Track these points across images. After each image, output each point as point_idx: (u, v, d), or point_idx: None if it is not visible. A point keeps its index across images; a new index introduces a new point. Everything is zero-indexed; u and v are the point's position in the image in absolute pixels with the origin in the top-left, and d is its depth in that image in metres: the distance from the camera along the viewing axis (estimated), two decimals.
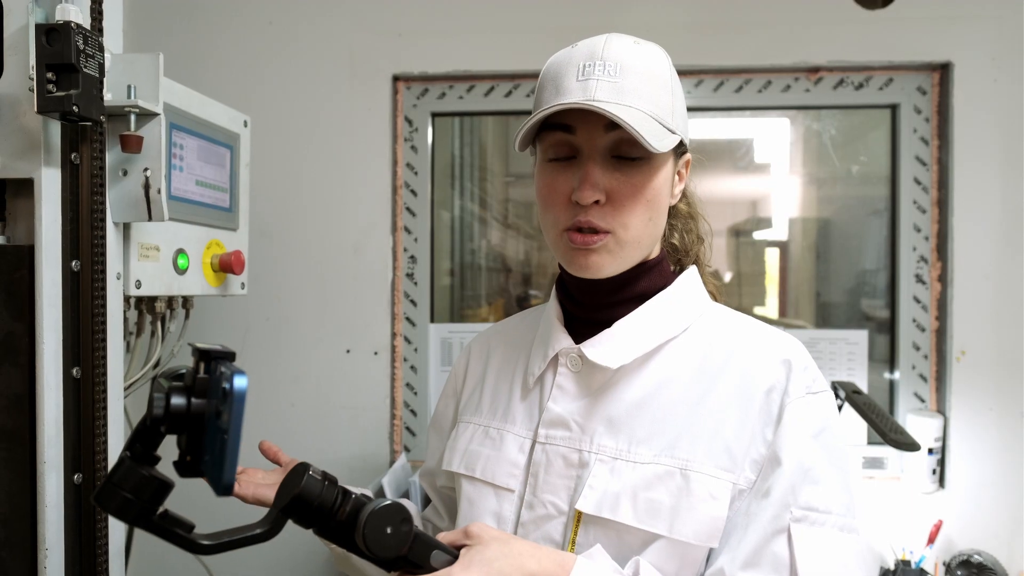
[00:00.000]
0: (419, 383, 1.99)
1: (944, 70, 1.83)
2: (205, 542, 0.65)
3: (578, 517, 0.85)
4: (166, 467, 0.63)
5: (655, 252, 0.95)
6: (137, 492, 0.61)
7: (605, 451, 0.86)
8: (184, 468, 0.62)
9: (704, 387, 0.87)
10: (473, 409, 1.01)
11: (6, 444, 0.99)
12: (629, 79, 0.83)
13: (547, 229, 0.91)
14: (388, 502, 0.71)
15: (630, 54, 0.85)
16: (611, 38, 0.87)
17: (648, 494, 0.82)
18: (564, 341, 0.94)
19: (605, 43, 0.86)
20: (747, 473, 0.83)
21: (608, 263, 0.87)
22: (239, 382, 0.56)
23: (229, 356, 0.60)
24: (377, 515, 0.70)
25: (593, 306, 0.93)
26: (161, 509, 0.63)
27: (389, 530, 0.71)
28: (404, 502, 0.73)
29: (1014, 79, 1.76)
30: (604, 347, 0.90)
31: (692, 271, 0.97)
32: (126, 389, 1.24)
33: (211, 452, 0.59)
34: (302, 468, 0.70)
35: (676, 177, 0.94)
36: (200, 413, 0.60)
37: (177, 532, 0.64)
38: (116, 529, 1.08)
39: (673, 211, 0.99)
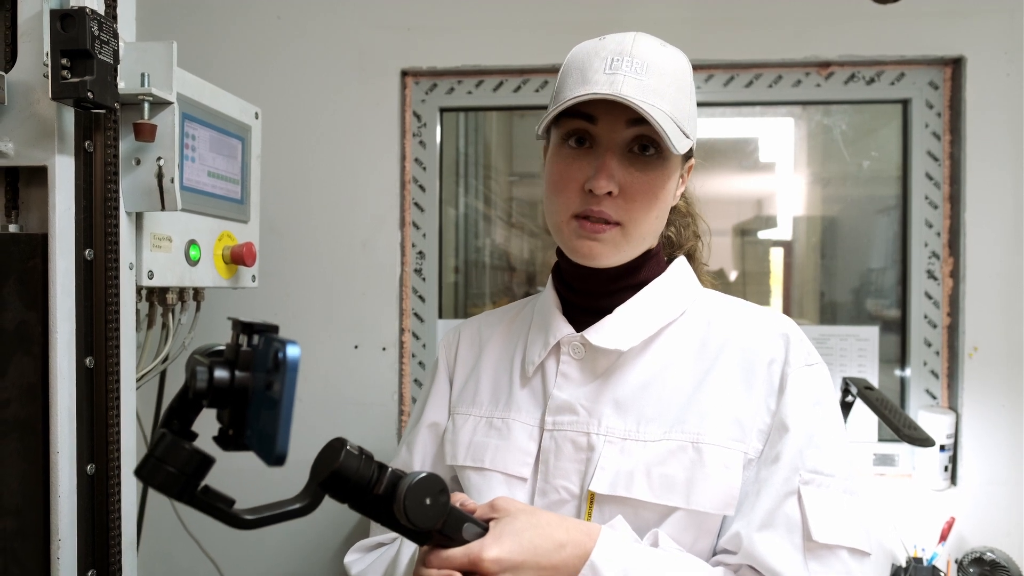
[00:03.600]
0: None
1: (956, 64, 1.82)
2: (248, 517, 0.64)
3: (591, 498, 0.87)
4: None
5: (653, 244, 0.98)
6: (181, 467, 0.60)
7: (614, 432, 0.89)
8: (227, 442, 0.62)
9: (707, 364, 0.91)
10: (469, 401, 1.02)
11: (19, 434, 0.98)
12: (654, 79, 0.85)
13: (553, 214, 0.93)
14: (424, 474, 0.71)
15: (657, 55, 0.87)
16: (639, 36, 0.89)
17: (662, 469, 0.85)
18: (564, 329, 0.96)
19: (634, 40, 0.88)
20: (755, 443, 0.87)
21: (612, 254, 0.90)
22: (292, 351, 0.56)
23: (273, 328, 0.60)
24: (416, 487, 0.70)
25: (592, 294, 0.96)
26: (202, 484, 0.62)
27: (428, 501, 0.71)
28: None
29: None
30: (608, 332, 0.93)
31: (682, 260, 1.02)
32: (137, 381, 1.24)
33: (254, 425, 0.59)
34: (339, 443, 0.70)
35: (680, 179, 0.97)
36: (244, 386, 0.59)
37: (220, 507, 0.63)
38: (129, 520, 1.07)
39: (672, 208, 1.03)
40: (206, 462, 0.62)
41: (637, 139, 0.87)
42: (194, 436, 0.63)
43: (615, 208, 0.87)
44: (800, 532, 0.81)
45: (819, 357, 0.92)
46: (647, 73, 0.85)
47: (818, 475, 0.83)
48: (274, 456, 0.56)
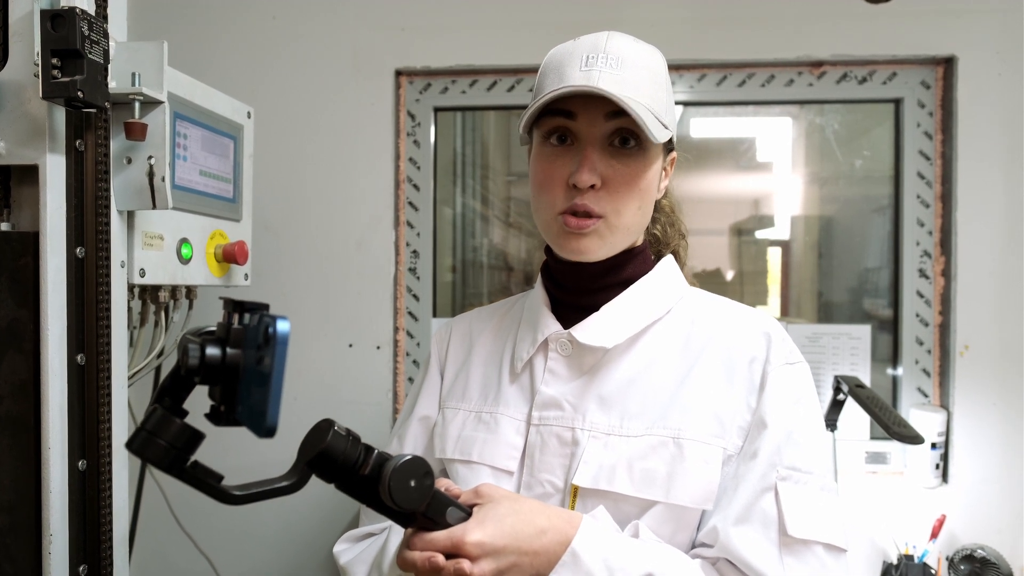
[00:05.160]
0: None
1: (948, 64, 1.82)
2: (236, 493, 0.65)
3: (574, 492, 0.88)
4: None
5: (639, 241, 0.99)
6: (172, 440, 0.62)
7: (598, 427, 0.90)
8: (218, 418, 0.63)
9: (690, 362, 0.92)
10: (459, 395, 1.04)
11: (11, 430, 0.99)
12: (629, 73, 0.87)
13: (540, 212, 0.94)
14: (410, 457, 0.73)
15: (631, 51, 0.89)
16: (612, 35, 0.91)
17: (643, 464, 0.86)
18: (553, 326, 0.97)
19: (607, 39, 0.90)
20: (734, 439, 0.88)
21: (599, 247, 0.91)
22: (282, 326, 0.58)
23: (263, 306, 0.62)
24: (401, 469, 0.72)
25: (580, 291, 0.98)
26: (192, 459, 0.63)
27: (412, 483, 0.72)
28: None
29: (1018, 73, 1.76)
30: (594, 329, 0.94)
31: (669, 258, 1.03)
32: (129, 379, 1.24)
33: (245, 401, 0.60)
34: (326, 424, 0.71)
35: (663, 173, 0.99)
36: (235, 363, 0.61)
37: (209, 482, 0.64)
38: (120, 516, 1.08)
39: (657, 206, 1.05)
40: (196, 437, 0.63)
41: (617, 132, 0.89)
42: (185, 414, 0.64)
43: (599, 201, 0.89)
44: (776, 527, 0.81)
45: (800, 356, 0.93)
46: (622, 67, 0.87)
47: (795, 472, 0.84)
48: (265, 428, 0.57)
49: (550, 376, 0.95)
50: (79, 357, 1.02)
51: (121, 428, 1.09)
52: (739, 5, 1.83)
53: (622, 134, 0.89)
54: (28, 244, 0.99)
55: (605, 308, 0.95)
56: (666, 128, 0.89)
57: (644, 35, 0.96)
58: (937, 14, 1.78)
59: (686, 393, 0.90)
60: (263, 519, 1.93)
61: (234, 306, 0.62)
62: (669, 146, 0.98)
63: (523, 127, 0.92)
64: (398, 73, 1.94)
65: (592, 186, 0.88)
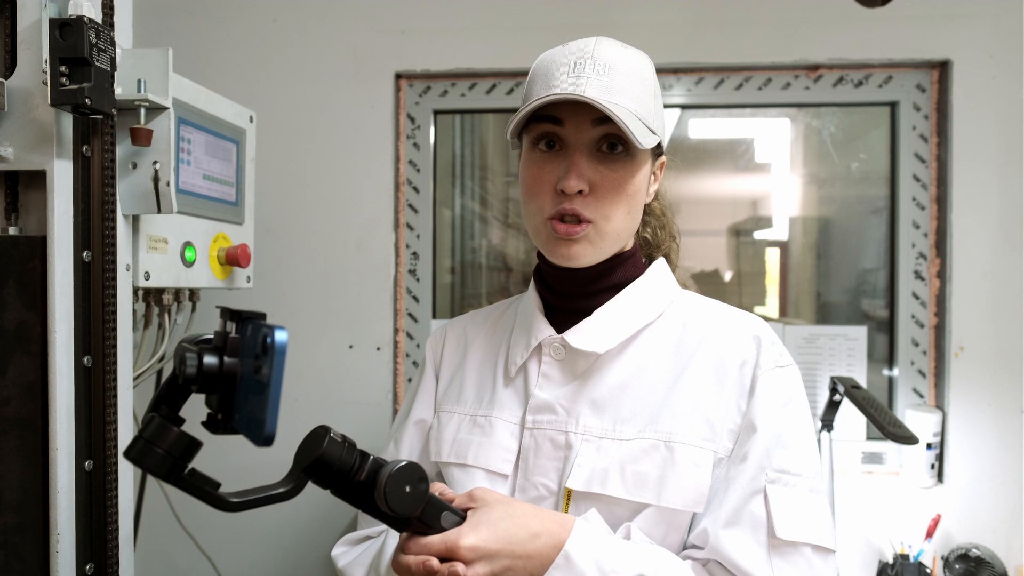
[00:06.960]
0: None
1: (943, 67, 1.84)
2: (233, 500, 0.66)
3: (568, 495, 0.89)
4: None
5: (629, 245, 1.00)
6: (169, 448, 0.62)
7: (591, 431, 0.91)
8: (216, 426, 0.64)
9: (681, 366, 0.93)
10: (454, 399, 1.04)
11: (19, 431, 1.00)
12: (617, 79, 0.88)
13: (530, 217, 0.95)
14: (405, 462, 0.74)
15: (618, 56, 0.90)
16: (601, 40, 0.92)
17: (635, 467, 0.87)
18: (546, 331, 0.98)
19: (595, 44, 0.91)
20: (725, 442, 0.89)
21: (588, 253, 0.92)
22: (280, 336, 0.58)
23: (261, 316, 0.62)
24: (396, 475, 0.73)
25: (572, 295, 0.98)
26: (189, 467, 0.64)
27: (408, 489, 0.73)
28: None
29: (1013, 76, 1.78)
30: (587, 335, 0.95)
31: (661, 261, 1.03)
32: (134, 380, 1.26)
33: (242, 409, 0.61)
34: (322, 431, 0.72)
35: (652, 177, 0.99)
36: (232, 372, 0.61)
37: (206, 490, 0.65)
38: (126, 516, 1.10)
39: (648, 209, 1.05)
40: (193, 445, 0.64)
41: (604, 138, 0.89)
42: (182, 421, 0.65)
43: (587, 206, 0.89)
44: (765, 529, 0.82)
45: (791, 359, 0.94)
46: (609, 74, 0.87)
47: (784, 474, 0.85)
48: (263, 437, 0.58)
49: (544, 380, 0.96)
50: (86, 359, 1.03)
51: (126, 429, 1.11)
52: (736, 9, 1.85)
53: (609, 140, 0.89)
54: (36, 248, 1.00)
55: (597, 313, 0.96)
56: (653, 133, 0.90)
57: (643, 38, 0.97)
58: (932, 18, 1.80)
59: (677, 397, 0.90)
60: (264, 520, 1.94)
61: (231, 315, 0.63)
62: (658, 150, 0.99)
63: (511, 133, 0.93)
64: (398, 76, 1.96)
65: (580, 192, 0.89)
